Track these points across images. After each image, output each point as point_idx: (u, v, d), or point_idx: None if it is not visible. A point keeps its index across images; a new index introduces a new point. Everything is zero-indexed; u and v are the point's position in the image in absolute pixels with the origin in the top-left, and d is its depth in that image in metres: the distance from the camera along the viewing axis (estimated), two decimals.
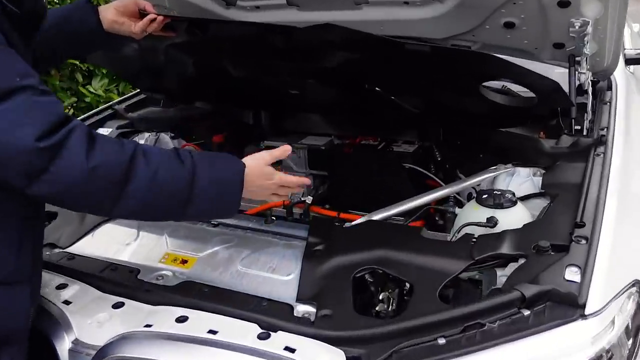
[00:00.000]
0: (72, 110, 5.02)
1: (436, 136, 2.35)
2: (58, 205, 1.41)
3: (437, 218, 2.09)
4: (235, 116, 2.72)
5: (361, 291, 1.53)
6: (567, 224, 1.54)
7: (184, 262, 1.70)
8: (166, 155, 1.34)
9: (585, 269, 1.34)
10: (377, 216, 1.81)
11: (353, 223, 1.76)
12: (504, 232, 1.55)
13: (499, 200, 1.71)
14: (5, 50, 1.18)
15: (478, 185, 1.98)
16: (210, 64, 2.20)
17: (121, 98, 2.91)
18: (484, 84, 1.85)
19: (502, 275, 1.50)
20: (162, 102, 2.87)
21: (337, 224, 1.78)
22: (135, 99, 2.89)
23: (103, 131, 2.57)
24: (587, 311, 1.26)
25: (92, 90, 5.06)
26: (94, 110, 2.82)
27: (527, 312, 1.29)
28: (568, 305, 1.28)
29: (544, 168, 1.93)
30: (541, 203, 1.81)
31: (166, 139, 2.71)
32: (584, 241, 1.44)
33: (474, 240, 1.57)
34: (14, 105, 1.14)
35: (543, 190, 1.81)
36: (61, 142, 1.17)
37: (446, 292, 1.49)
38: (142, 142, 2.62)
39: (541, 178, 1.90)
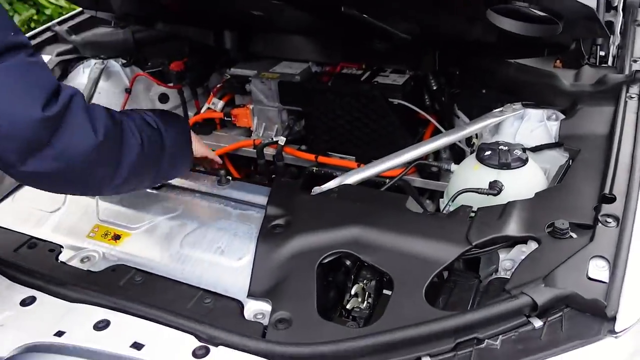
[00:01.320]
0: (32, 24, 4.53)
1: (431, 64, 1.96)
2: (39, 187, 1.15)
3: (434, 164, 1.76)
4: (196, 38, 2.30)
5: (329, 282, 1.23)
6: (591, 195, 1.21)
7: (117, 237, 1.39)
8: (140, 119, 1.25)
9: (616, 264, 1.03)
10: (352, 178, 1.47)
11: (322, 188, 1.43)
12: (511, 204, 1.22)
13: (506, 158, 1.37)
14: None
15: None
16: None
17: (62, 17, 2.47)
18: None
19: (507, 259, 1.20)
20: (113, 22, 2.44)
21: (302, 190, 1.44)
22: (80, 19, 2.46)
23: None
24: (618, 327, 0.96)
25: (52, 0, 4.54)
26: (29, 33, 2.38)
27: (538, 323, 1.00)
28: (592, 316, 0.98)
29: (561, 110, 1.57)
30: (557, 156, 1.48)
31: (116, 67, 2.32)
32: (613, 223, 1.12)
33: (473, 214, 1.25)
34: (14, 65, 0.96)
35: (560, 142, 1.46)
36: (65, 111, 1.02)
37: (433, 280, 1.19)
38: (87, 70, 2.24)
39: (558, 123, 1.55)
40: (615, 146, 1.28)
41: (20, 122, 0.96)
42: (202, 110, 2.29)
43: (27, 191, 1.59)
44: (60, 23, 2.42)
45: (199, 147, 1.56)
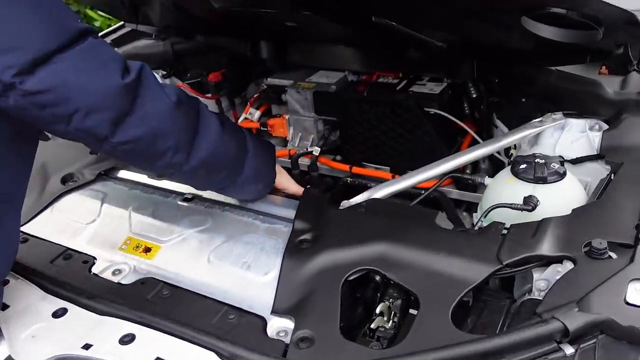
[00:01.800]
0: None
1: (469, 73, 1.90)
2: (127, 158, 1.23)
3: (467, 177, 1.69)
4: (233, 49, 2.32)
5: (356, 298, 1.20)
6: (633, 212, 1.14)
7: (147, 250, 1.40)
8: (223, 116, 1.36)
9: None
10: (381, 192, 1.44)
11: (350, 202, 1.40)
12: (546, 221, 1.17)
13: (542, 172, 1.31)
14: None
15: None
16: None
17: (105, 31, 2.54)
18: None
19: (541, 279, 1.14)
20: (154, 35, 2.50)
21: (331, 203, 1.42)
22: (122, 32, 2.53)
23: None
24: None
25: (101, 12, 4.68)
26: None
27: (570, 350, 0.94)
28: (629, 344, 0.92)
29: (604, 120, 1.50)
30: (599, 169, 1.40)
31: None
32: None
33: (505, 230, 1.19)
34: (87, 47, 1.05)
35: (601, 154, 1.39)
36: (139, 79, 1.10)
37: (463, 299, 1.15)
38: None
39: (600, 133, 1.47)
40: None
41: (106, 92, 1.05)
42: (240, 121, 2.31)
43: (65, 202, 1.64)
44: (103, 36, 2.49)
45: (287, 180, 1.54)
